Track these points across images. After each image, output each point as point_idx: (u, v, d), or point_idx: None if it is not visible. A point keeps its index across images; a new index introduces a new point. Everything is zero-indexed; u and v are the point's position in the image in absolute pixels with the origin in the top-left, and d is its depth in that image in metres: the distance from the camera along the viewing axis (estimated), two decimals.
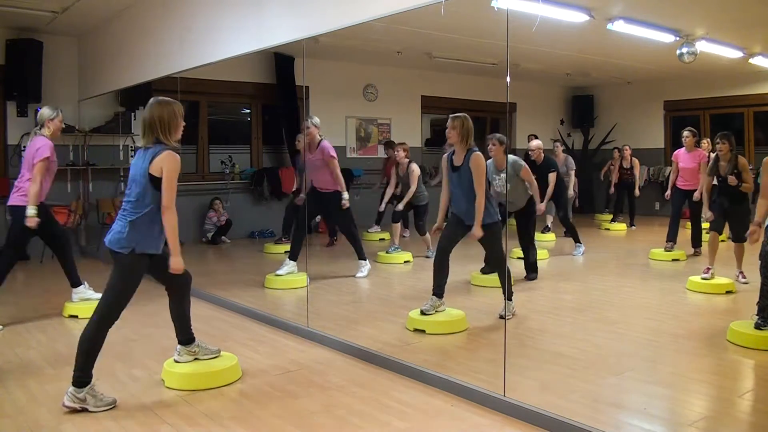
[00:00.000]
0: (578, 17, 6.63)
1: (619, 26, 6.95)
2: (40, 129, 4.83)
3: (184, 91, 6.47)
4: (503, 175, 5.86)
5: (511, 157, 6.10)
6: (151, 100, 3.30)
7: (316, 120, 6.31)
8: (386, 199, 7.89)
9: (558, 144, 9.15)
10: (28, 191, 4.67)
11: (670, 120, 12.29)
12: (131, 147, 8.58)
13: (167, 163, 3.16)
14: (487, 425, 3.00)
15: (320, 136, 6.25)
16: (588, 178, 12.56)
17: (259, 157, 9.97)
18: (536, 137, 7.65)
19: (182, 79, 6.29)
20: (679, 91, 11.72)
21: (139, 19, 6.68)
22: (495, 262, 4.94)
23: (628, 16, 6.85)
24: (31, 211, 4.63)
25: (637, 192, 9.87)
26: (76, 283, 5.17)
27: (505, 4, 4.49)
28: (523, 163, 6.11)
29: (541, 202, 7.29)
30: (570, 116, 13.43)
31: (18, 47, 7.64)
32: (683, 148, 7.29)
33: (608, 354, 4.02)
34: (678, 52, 7.72)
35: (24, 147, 7.82)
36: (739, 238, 5.61)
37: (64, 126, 5.01)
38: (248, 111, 10.18)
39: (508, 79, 3.75)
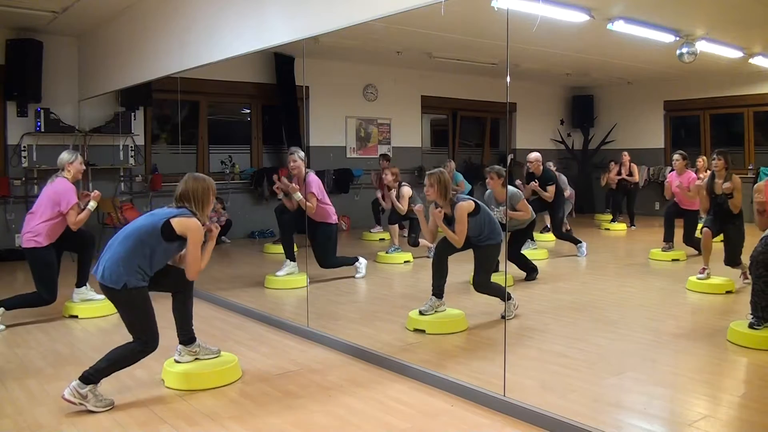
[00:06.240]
0: (578, 17, 6.64)
1: (619, 26, 6.95)
2: (61, 172, 4.87)
3: (184, 91, 6.47)
4: (502, 208, 5.87)
5: (510, 189, 6.08)
6: (186, 175, 3.56)
7: (302, 153, 6.15)
8: (386, 205, 7.94)
9: (550, 164, 9.15)
10: (41, 232, 4.69)
11: (670, 120, 12.30)
12: (131, 147, 8.58)
13: (193, 233, 3.34)
14: (487, 425, 3.00)
15: (306, 169, 6.10)
16: (588, 178, 12.59)
17: (259, 157, 9.98)
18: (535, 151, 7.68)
19: (182, 79, 6.29)
20: (679, 91, 11.72)
21: (139, 19, 6.68)
22: (479, 281, 4.64)
23: (628, 16, 6.85)
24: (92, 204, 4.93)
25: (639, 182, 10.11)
26: (82, 283, 5.18)
27: (505, 4, 4.50)
28: (521, 195, 6.10)
29: (541, 210, 7.39)
30: (570, 116, 13.44)
31: (18, 47, 7.63)
32: (675, 171, 7.18)
33: (608, 354, 4.02)
34: (678, 52, 7.72)
35: (24, 147, 7.89)
36: (732, 261, 5.45)
37: (84, 168, 5.06)
38: (248, 111, 10.18)
39: (508, 79, 3.76)
